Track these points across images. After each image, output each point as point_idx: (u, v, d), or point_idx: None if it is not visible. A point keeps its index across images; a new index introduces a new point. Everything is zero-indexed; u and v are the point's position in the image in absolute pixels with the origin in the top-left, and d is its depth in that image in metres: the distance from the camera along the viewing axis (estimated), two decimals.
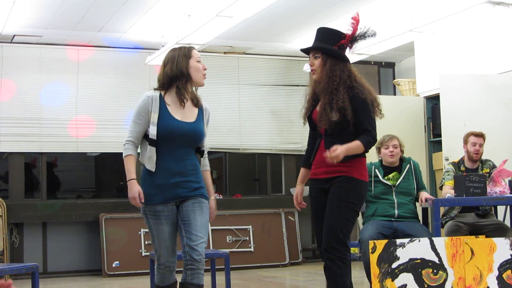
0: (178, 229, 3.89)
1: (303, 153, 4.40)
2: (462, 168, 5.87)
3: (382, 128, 7.58)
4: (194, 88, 4.00)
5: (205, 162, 4.08)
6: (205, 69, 3.98)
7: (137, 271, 8.11)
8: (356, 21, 4.16)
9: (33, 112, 8.49)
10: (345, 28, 4.18)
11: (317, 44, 4.15)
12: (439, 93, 8.27)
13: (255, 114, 9.55)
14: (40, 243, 8.45)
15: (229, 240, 8.80)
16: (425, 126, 8.72)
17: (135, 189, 3.78)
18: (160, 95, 3.89)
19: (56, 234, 8.50)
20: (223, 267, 5.40)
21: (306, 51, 4.21)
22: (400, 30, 7.97)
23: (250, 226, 8.95)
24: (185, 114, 3.90)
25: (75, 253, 8.57)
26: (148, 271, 5.66)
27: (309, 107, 4.22)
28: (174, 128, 3.82)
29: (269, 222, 9.08)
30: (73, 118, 8.62)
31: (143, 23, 7.77)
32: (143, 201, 3.78)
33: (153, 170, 3.81)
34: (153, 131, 3.81)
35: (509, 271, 4.52)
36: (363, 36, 4.17)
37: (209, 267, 5.56)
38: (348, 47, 4.20)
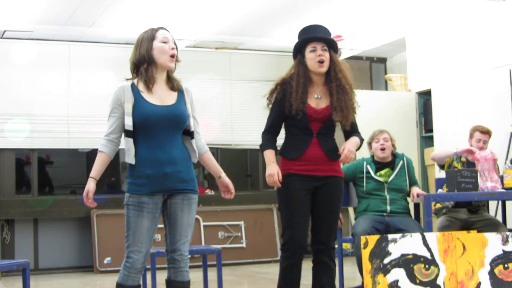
0: (164, 224, 3.75)
1: None
2: (463, 159, 5.77)
3: (374, 123, 7.64)
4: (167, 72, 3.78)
5: (201, 143, 3.87)
6: (173, 49, 3.72)
7: None
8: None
9: (24, 108, 8.45)
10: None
11: (324, 36, 4.14)
12: (430, 89, 8.30)
13: (247, 109, 9.53)
14: (31, 240, 8.42)
15: (221, 236, 8.80)
16: (417, 122, 8.74)
17: (86, 187, 3.61)
18: (133, 83, 3.69)
19: (47, 230, 8.48)
20: (215, 263, 5.38)
21: (318, 40, 4.13)
22: (392, 25, 7.99)
23: (242, 222, 8.96)
24: (163, 99, 3.70)
25: (66, 249, 8.55)
26: None
27: (304, 101, 4.10)
28: (152, 113, 3.62)
29: (261, 217, 9.09)
30: (65, 114, 8.59)
31: (135, 18, 7.74)
32: (90, 200, 3.60)
33: (133, 163, 3.61)
34: (128, 122, 3.62)
35: (500, 266, 4.52)
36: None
37: (201, 263, 5.55)
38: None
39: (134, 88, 3.68)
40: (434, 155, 5.84)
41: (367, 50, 9.30)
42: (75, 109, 8.62)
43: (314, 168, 4.08)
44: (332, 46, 4.15)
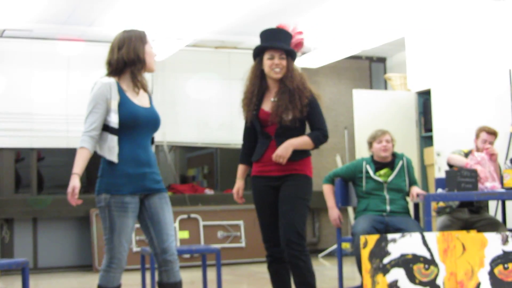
0: (144, 227, 3.73)
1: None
2: None
3: (373, 123, 7.66)
4: None
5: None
6: (155, 56, 3.82)
7: (128, 267, 7.99)
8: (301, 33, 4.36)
9: (23, 107, 8.44)
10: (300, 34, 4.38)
11: (282, 45, 4.22)
12: (430, 88, 8.29)
13: None
14: (30, 239, 8.43)
15: (220, 236, 8.79)
16: (416, 121, 8.73)
17: (71, 183, 3.53)
18: (116, 81, 3.67)
19: (46, 229, 8.49)
20: (214, 262, 5.39)
21: (269, 48, 4.23)
22: (391, 25, 7.98)
23: (242, 222, 8.94)
24: (141, 100, 3.72)
25: (65, 248, 8.56)
26: (139, 267, 5.65)
27: (254, 108, 4.31)
28: (138, 114, 3.63)
29: None
30: (64, 113, 8.57)
31: (134, 17, 7.73)
32: (76, 196, 3.51)
33: (116, 161, 3.58)
34: (114, 119, 3.58)
35: (500, 266, 4.52)
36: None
37: (200, 263, 5.55)
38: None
39: (119, 86, 3.67)
40: (451, 159, 5.80)
41: (366, 50, 9.29)
42: (74, 108, 8.59)
43: (270, 168, 4.24)
44: (290, 54, 4.25)
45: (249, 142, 4.43)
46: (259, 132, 4.31)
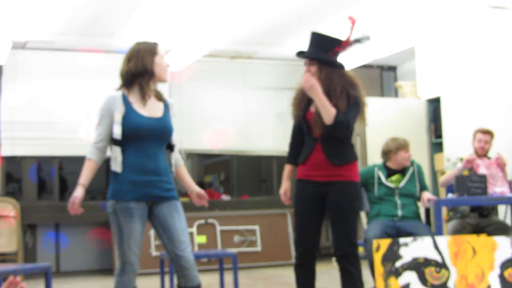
0: (157, 234, 3.78)
1: None
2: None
3: (385, 130, 7.75)
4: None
5: (178, 157, 3.94)
6: (168, 66, 3.84)
7: (147, 271, 8.14)
8: (352, 22, 4.13)
9: (45, 116, 8.59)
10: (343, 30, 4.19)
11: (312, 52, 4.14)
12: (440, 96, 8.36)
13: (261, 117, 9.61)
14: (53, 244, 8.57)
15: (237, 240, 8.89)
16: (426, 128, 8.80)
17: (74, 193, 3.66)
18: (123, 94, 3.74)
19: (68, 234, 8.64)
20: (231, 266, 5.46)
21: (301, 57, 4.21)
22: (402, 34, 8.05)
23: (257, 226, 9.04)
24: (151, 110, 3.76)
25: (87, 253, 8.71)
26: (158, 270, 5.76)
27: (302, 108, 4.22)
28: (142, 124, 3.68)
29: (275, 222, 9.14)
30: (85, 122, 8.69)
31: (152, 28, 7.84)
32: (75, 206, 3.64)
33: (119, 171, 3.66)
34: (117, 131, 3.66)
35: (510, 269, 4.56)
36: (358, 41, 4.18)
37: (218, 267, 5.65)
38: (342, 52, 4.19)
39: (124, 98, 3.74)
40: (443, 181, 5.94)
41: (377, 59, 9.36)
42: (94, 117, 8.71)
43: (315, 173, 4.15)
44: (322, 61, 4.10)
45: (296, 142, 4.33)
46: (306, 133, 4.20)
